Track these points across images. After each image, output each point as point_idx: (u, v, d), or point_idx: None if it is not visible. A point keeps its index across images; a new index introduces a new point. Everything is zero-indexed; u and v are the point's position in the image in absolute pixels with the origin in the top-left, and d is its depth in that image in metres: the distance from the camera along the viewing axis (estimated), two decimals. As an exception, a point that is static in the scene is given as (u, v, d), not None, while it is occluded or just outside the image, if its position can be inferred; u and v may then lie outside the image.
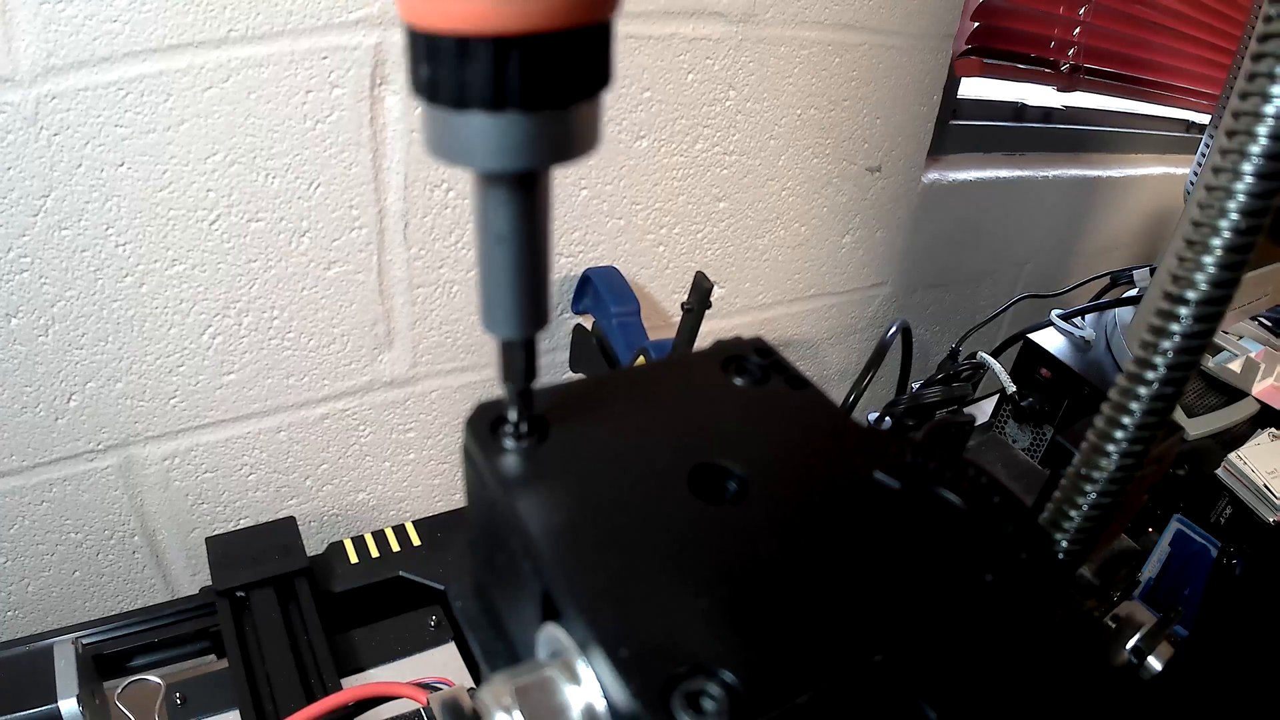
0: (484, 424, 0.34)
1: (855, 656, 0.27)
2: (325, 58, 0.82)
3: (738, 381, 0.38)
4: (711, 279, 0.91)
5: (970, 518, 0.32)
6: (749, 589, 0.29)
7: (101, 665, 0.81)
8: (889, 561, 0.31)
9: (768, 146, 1.18)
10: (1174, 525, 1.07)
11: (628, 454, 0.34)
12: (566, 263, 1.08)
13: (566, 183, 1.03)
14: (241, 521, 1.04)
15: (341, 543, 0.93)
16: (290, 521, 0.91)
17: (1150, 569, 1.06)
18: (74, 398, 0.87)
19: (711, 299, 0.91)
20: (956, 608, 0.29)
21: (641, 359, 0.94)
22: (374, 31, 0.84)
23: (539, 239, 0.31)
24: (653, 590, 0.28)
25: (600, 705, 0.27)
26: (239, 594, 0.85)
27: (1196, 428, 1.13)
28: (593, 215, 1.07)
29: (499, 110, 0.26)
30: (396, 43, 0.85)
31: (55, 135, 0.74)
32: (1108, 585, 0.67)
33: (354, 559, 0.92)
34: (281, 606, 0.85)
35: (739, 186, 1.19)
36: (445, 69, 0.26)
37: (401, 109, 0.88)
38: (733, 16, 1.05)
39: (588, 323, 1.10)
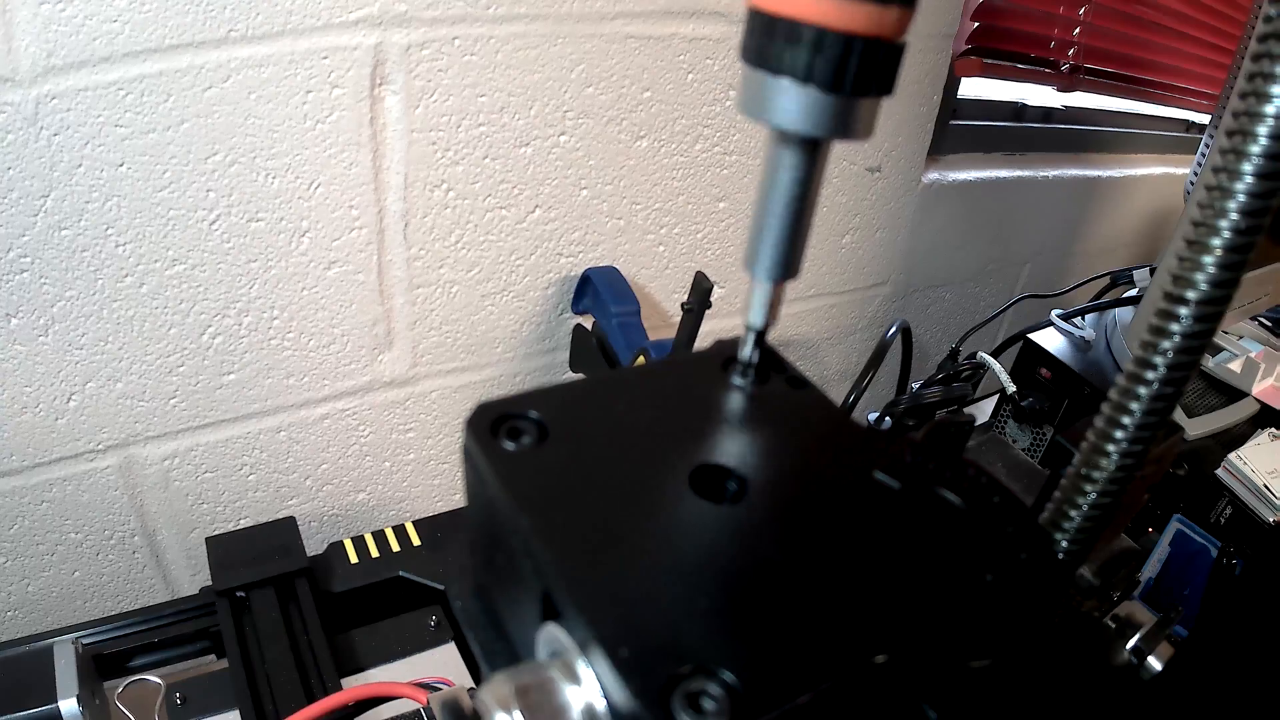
0: (484, 424, 0.34)
1: (856, 657, 0.27)
2: (325, 58, 0.82)
3: (737, 381, 0.38)
4: (712, 279, 0.91)
5: (970, 518, 0.32)
6: (749, 589, 0.29)
7: (101, 665, 0.81)
8: (889, 561, 0.31)
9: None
10: (1174, 525, 1.07)
11: (627, 454, 0.34)
12: (567, 263, 1.08)
13: (566, 183, 1.03)
14: (241, 521, 1.04)
15: (341, 543, 0.93)
16: (290, 521, 0.91)
17: (1150, 569, 1.06)
18: (74, 398, 0.87)
19: (712, 299, 0.91)
20: (957, 608, 0.29)
21: (641, 359, 0.94)
22: (374, 31, 0.83)
23: (810, 198, 0.35)
24: (653, 590, 0.28)
25: (600, 705, 0.27)
26: (239, 594, 0.85)
27: (1196, 428, 1.13)
28: (593, 215, 1.07)
29: (827, 89, 0.31)
30: (396, 43, 0.85)
31: (55, 135, 0.74)
32: (1108, 585, 0.67)
33: (354, 559, 0.92)
34: (281, 606, 0.85)
35: (739, 186, 1.18)
36: (788, 47, 0.31)
37: (401, 109, 0.88)
38: (733, 16, 1.05)
39: (588, 323, 1.10)
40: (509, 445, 0.33)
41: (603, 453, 0.34)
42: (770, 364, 0.39)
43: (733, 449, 0.34)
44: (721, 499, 0.32)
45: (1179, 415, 1.11)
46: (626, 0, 0.96)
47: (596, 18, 0.95)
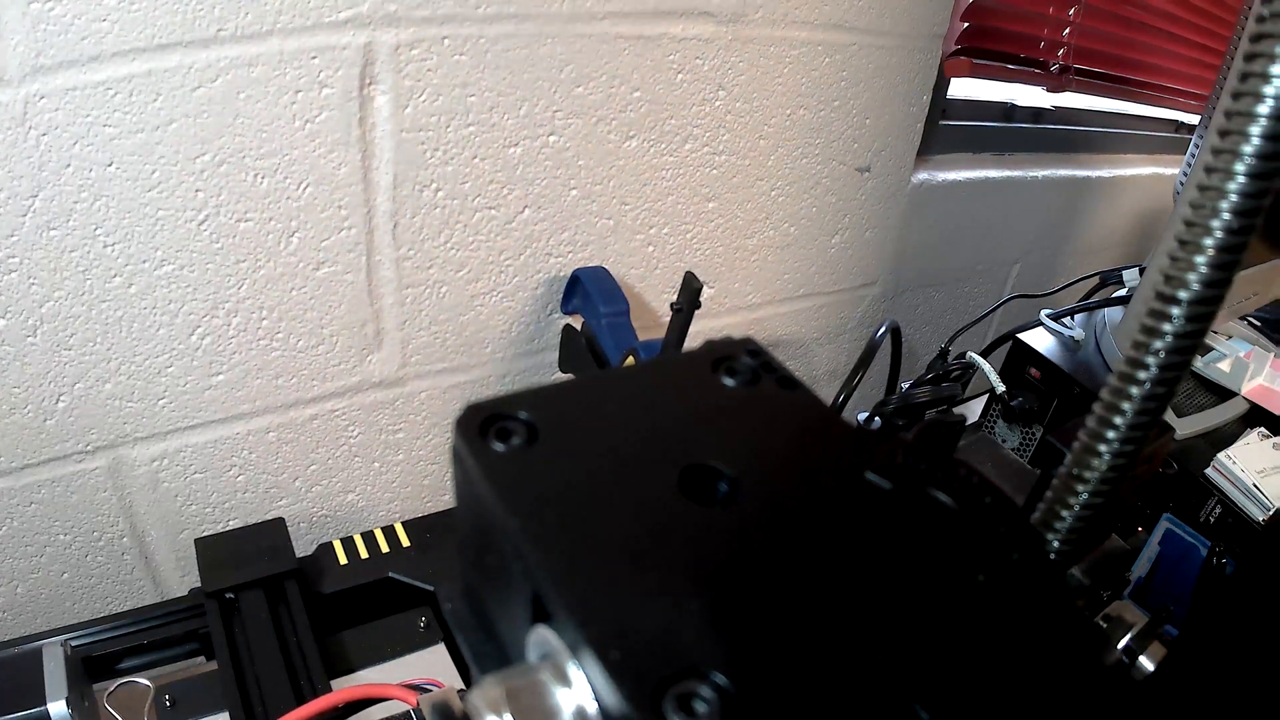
0: (473, 425, 0.34)
1: (847, 657, 0.27)
2: (314, 57, 0.82)
3: (728, 382, 0.38)
4: (701, 279, 0.91)
5: (961, 518, 0.32)
6: (740, 590, 0.29)
7: (91, 667, 0.81)
8: (880, 562, 0.30)
9: (757, 147, 1.18)
10: (1163, 524, 1.07)
11: (617, 455, 0.33)
12: (556, 263, 1.08)
13: (555, 183, 1.02)
14: (231, 522, 1.03)
15: (331, 544, 0.93)
16: (279, 523, 0.91)
17: (1140, 568, 1.06)
18: (62, 399, 0.87)
19: (701, 299, 0.91)
20: (949, 608, 0.29)
21: (631, 359, 0.94)
22: (363, 31, 0.83)
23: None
24: (643, 592, 0.28)
25: (591, 708, 0.27)
26: (228, 595, 0.85)
27: (1186, 427, 1.13)
28: (582, 215, 1.07)
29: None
30: (385, 42, 0.85)
31: (44, 135, 0.74)
32: (1098, 585, 0.67)
33: (343, 560, 0.92)
34: (271, 608, 0.85)
35: (728, 186, 1.19)
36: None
37: (391, 109, 0.88)
38: (722, 17, 1.05)
39: (577, 323, 1.10)
40: (498, 446, 0.33)
41: (593, 454, 0.33)
42: (761, 365, 0.38)
43: (723, 450, 0.34)
44: (713, 500, 0.32)
45: (1168, 415, 1.12)
46: (616, 0, 0.96)
47: (586, 18, 0.95)
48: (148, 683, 0.81)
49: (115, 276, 0.83)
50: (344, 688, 0.75)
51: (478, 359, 1.10)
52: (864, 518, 0.32)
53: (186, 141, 0.80)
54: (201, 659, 0.87)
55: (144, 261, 0.84)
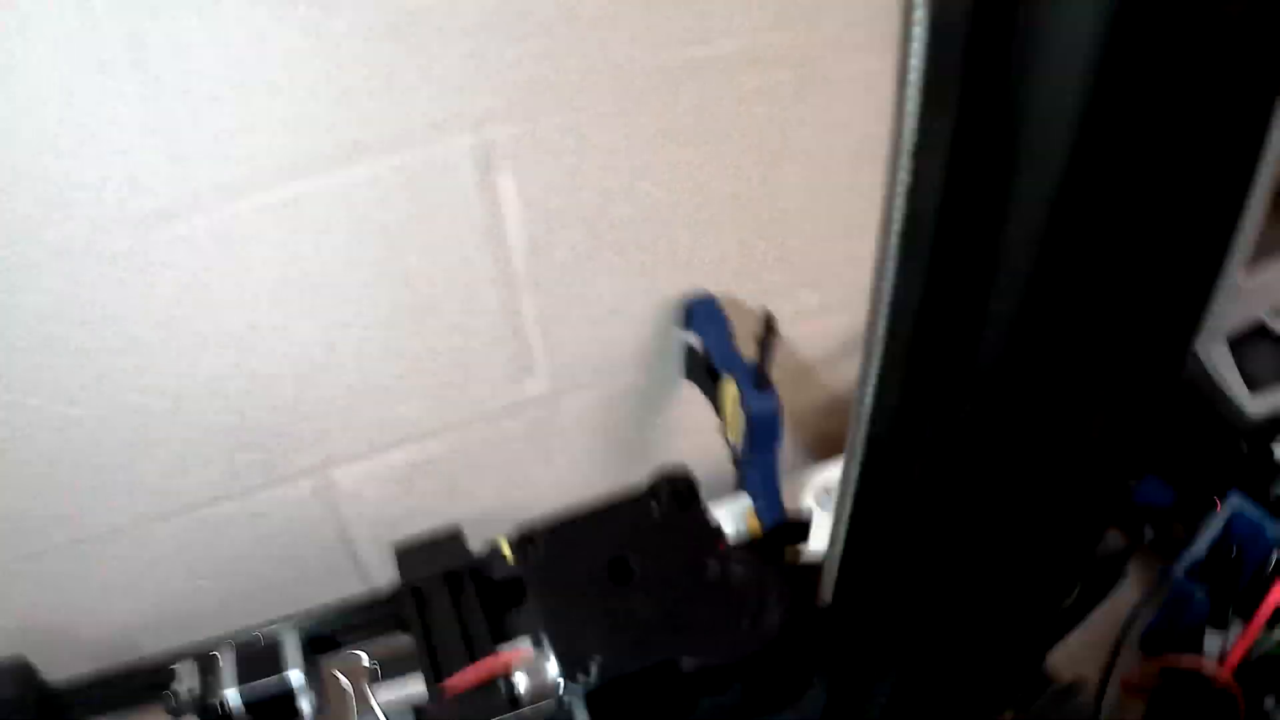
0: (515, 537, 0.66)
1: (667, 658, 0.53)
2: (440, 157, 0.99)
3: (654, 505, 0.64)
4: (810, 286, 1.14)
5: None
6: (631, 626, 0.53)
7: (316, 644, 1.04)
8: (709, 618, 0.56)
9: (840, 169, 1.26)
10: (1231, 503, 1.08)
11: (581, 555, 0.63)
12: (673, 293, 1.25)
13: (666, 228, 1.18)
14: (418, 520, 1.17)
15: (498, 542, 1.13)
16: (457, 529, 1.11)
17: (1199, 550, 1.06)
18: (281, 437, 1.12)
19: (778, 331, 1.05)
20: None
21: (730, 379, 1.10)
22: (477, 131, 0.99)
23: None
24: (580, 626, 0.57)
25: (552, 673, 0.56)
26: (419, 587, 1.07)
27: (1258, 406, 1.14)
28: (693, 251, 1.23)
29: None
30: (498, 136, 1.01)
31: (239, 250, 0.97)
32: (1086, 599, 0.77)
33: (508, 555, 1.12)
34: (452, 595, 1.06)
35: (826, 210, 1.30)
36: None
37: (515, 189, 1.05)
38: (790, 60, 1.14)
39: (697, 340, 1.25)
40: (524, 554, 0.64)
41: (570, 554, 0.63)
42: (674, 493, 0.61)
43: (635, 550, 0.62)
44: (627, 578, 0.58)
45: (1240, 391, 1.14)
46: (692, 50, 1.07)
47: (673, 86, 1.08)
48: (364, 653, 1.03)
49: (315, 345, 1.07)
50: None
51: (613, 375, 1.29)
52: (703, 588, 0.57)
53: (344, 238, 1.01)
54: (399, 633, 1.09)
55: (336, 330, 1.07)
